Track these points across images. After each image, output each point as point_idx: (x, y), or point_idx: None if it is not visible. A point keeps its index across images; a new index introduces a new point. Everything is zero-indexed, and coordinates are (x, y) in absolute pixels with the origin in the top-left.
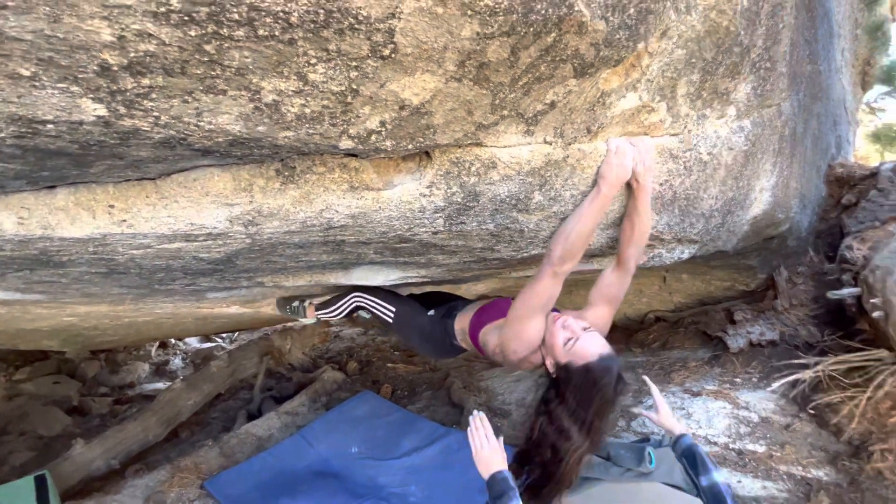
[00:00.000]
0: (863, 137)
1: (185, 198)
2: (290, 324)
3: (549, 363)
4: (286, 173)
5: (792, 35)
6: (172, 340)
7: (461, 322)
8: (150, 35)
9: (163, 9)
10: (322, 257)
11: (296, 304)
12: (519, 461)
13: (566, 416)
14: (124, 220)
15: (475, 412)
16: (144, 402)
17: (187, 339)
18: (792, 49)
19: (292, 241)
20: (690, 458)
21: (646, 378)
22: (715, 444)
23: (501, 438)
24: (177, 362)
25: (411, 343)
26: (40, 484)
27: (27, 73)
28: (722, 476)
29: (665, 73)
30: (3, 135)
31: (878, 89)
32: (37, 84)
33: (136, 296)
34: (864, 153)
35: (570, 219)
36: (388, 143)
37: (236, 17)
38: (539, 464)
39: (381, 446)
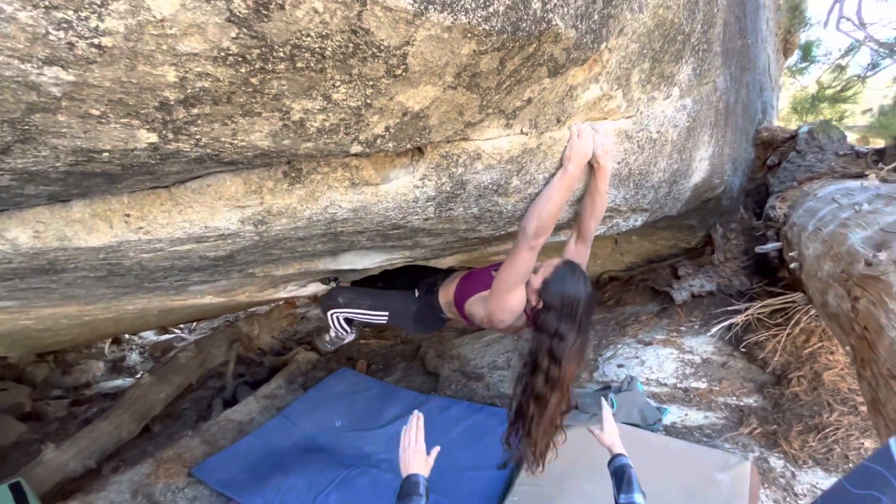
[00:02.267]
0: (786, 100)
1: (200, 203)
2: (254, 308)
3: (532, 298)
4: (293, 175)
5: (725, 15)
6: (126, 336)
7: (445, 295)
8: (208, 74)
9: (223, 53)
10: (318, 247)
11: (327, 338)
12: (518, 402)
13: (556, 320)
14: (141, 228)
15: (415, 412)
16: (105, 401)
17: (143, 333)
18: (725, 28)
19: (297, 235)
20: (619, 476)
21: (603, 400)
22: (665, 385)
23: (435, 450)
24: (134, 357)
25: (406, 329)
26: (17, 492)
27: (97, 113)
28: (641, 499)
29: (621, 64)
30: (59, 164)
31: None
32: (103, 121)
33: (117, 294)
34: (785, 115)
35: (541, 198)
36: (390, 144)
37: (281, 54)
38: (539, 385)
39: (365, 418)
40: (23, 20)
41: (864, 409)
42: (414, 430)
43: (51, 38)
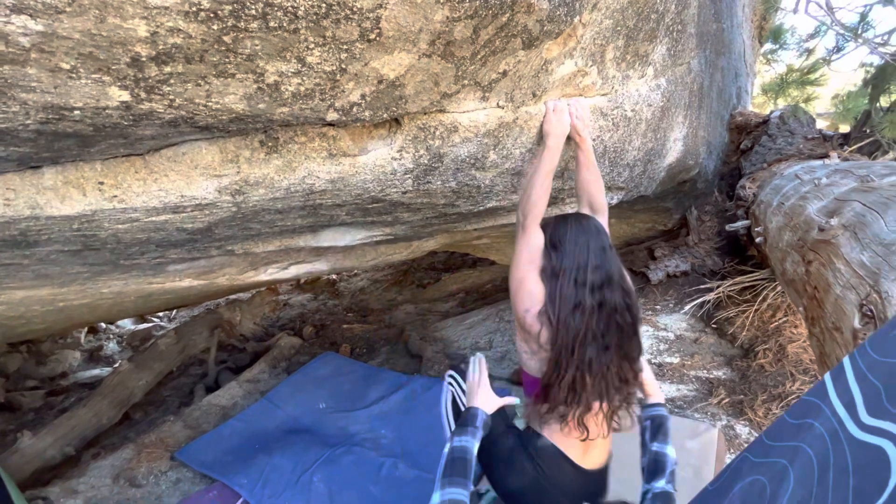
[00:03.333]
0: (760, 86)
1: (175, 171)
2: (236, 295)
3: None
4: (270, 144)
5: None
6: (103, 325)
7: (527, 407)
8: (180, 30)
9: (194, 8)
10: (297, 221)
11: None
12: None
13: (566, 258)
14: (115, 196)
15: (477, 354)
16: (83, 391)
17: (120, 322)
18: (700, 11)
19: (275, 207)
20: (656, 426)
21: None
22: None
23: (512, 399)
24: (112, 346)
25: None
26: None
27: (67, 67)
28: (674, 453)
29: (596, 40)
30: (29, 121)
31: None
32: (73, 76)
33: (93, 273)
34: (760, 101)
35: (528, 177)
36: (366, 113)
37: (253, 12)
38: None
39: (349, 399)
40: None
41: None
42: (478, 368)
43: None
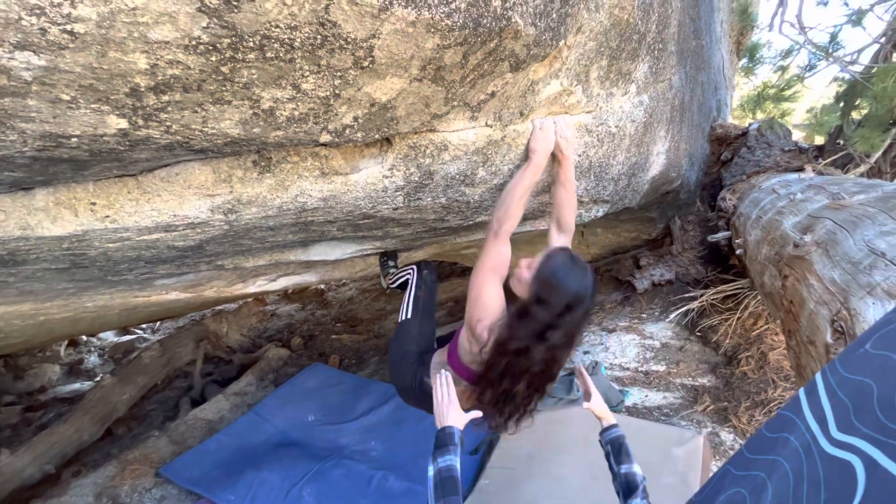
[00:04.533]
0: (739, 98)
1: (168, 192)
2: (222, 306)
3: (521, 291)
4: (263, 164)
5: (679, 17)
6: (84, 337)
7: (440, 355)
8: (179, 62)
9: (194, 42)
10: (288, 237)
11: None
12: (489, 385)
13: (545, 314)
14: (107, 216)
15: (442, 370)
16: (62, 406)
17: (102, 334)
18: (679, 29)
19: (267, 224)
20: (616, 448)
21: (580, 366)
22: (627, 369)
23: (472, 414)
24: (93, 359)
25: (389, 354)
26: None
27: (67, 98)
28: (639, 469)
29: (580, 61)
30: (26, 149)
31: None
32: (73, 106)
33: (79, 289)
34: (739, 114)
35: (508, 188)
36: (359, 134)
37: (251, 44)
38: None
39: (338, 411)
40: None
41: None
42: (445, 386)
43: (23, 23)
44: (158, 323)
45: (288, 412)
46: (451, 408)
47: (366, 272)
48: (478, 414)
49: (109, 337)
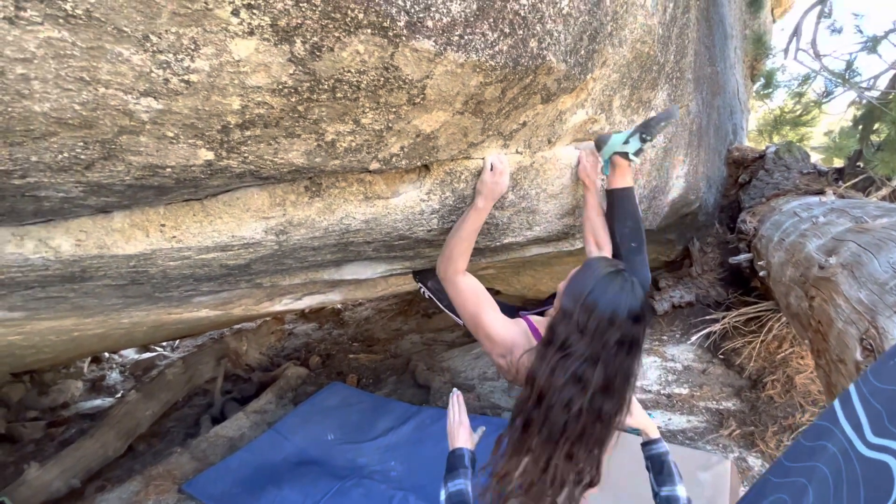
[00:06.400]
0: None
1: (229, 214)
2: (241, 325)
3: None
4: (313, 189)
5: (695, 46)
6: (106, 354)
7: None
8: (266, 103)
9: (280, 86)
10: (327, 257)
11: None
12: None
13: (565, 330)
14: (174, 237)
15: (454, 391)
16: (84, 422)
17: (124, 351)
18: (696, 57)
19: (312, 245)
20: (658, 466)
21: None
22: (649, 391)
23: (480, 430)
24: (114, 376)
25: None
26: None
27: (171, 135)
28: (684, 491)
29: (604, 92)
30: (127, 178)
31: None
32: (174, 141)
33: (125, 304)
34: (754, 136)
35: (451, 233)
36: (403, 162)
37: (325, 87)
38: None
39: (357, 430)
40: (135, 62)
41: None
42: (456, 406)
43: (152, 75)
44: (178, 341)
45: (308, 430)
46: (461, 429)
47: (385, 292)
48: (483, 430)
49: (131, 354)
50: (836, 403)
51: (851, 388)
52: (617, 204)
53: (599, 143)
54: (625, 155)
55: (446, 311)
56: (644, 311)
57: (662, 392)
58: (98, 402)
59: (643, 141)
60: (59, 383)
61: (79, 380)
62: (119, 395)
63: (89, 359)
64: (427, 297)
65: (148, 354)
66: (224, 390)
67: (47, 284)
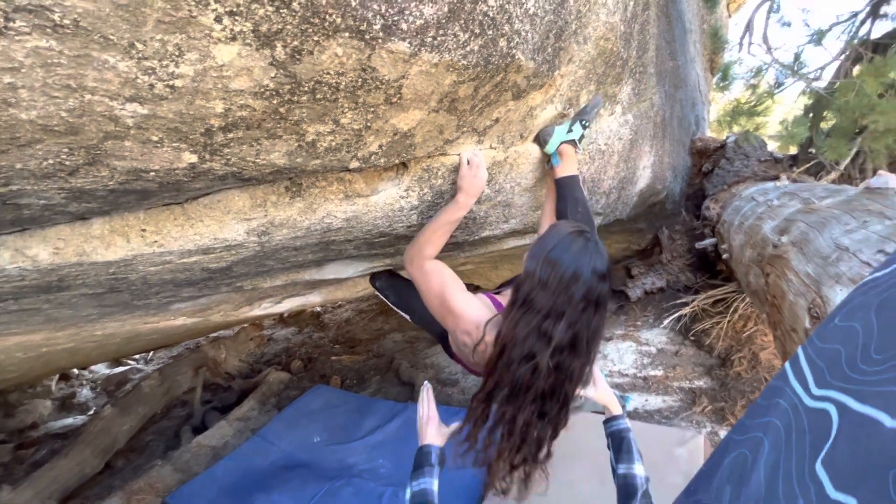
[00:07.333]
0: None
1: (210, 217)
2: (218, 332)
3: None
4: (294, 189)
5: (657, 42)
6: (76, 371)
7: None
8: (248, 105)
9: (261, 89)
10: (308, 256)
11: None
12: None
13: (533, 289)
14: (156, 241)
15: (425, 383)
16: (55, 442)
17: (94, 367)
18: (657, 52)
19: (294, 245)
20: (616, 442)
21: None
22: (626, 375)
23: (452, 427)
24: (85, 393)
25: (432, 333)
26: None
27: (155, 139)
28: (642, 469)
29: (572, 87)
30: (111, 183)
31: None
32: (158, 145)
33: (101, 314)
34: (715, 127)
35: (429, 225)
36: (382, 160)
37: (305, 88)
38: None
39: (344, 431)
40: (122, 68)
41: None
42: (426, 402)
43: (138, 81)
44: (152, 353)
45: (293, 435)
46: (430, 424)
47: (366, 292)
48: (455, 426)
49: (101, 369)
50: (787, 365)
51: (799, 350)
52: (567, 192)
53: (545, 137)
54: (572, 143)
55: (393, 307)
56: (609, 271)
57: (639, 375)
58: (69, 420)
59: (584, 127)
60: (25, 403)
61: (47, 399)
62: (92, 411)
63: (57, 376)
64: (378, 296)
65: (120, 368)
66: (204, 400)
67: (21, 296)
